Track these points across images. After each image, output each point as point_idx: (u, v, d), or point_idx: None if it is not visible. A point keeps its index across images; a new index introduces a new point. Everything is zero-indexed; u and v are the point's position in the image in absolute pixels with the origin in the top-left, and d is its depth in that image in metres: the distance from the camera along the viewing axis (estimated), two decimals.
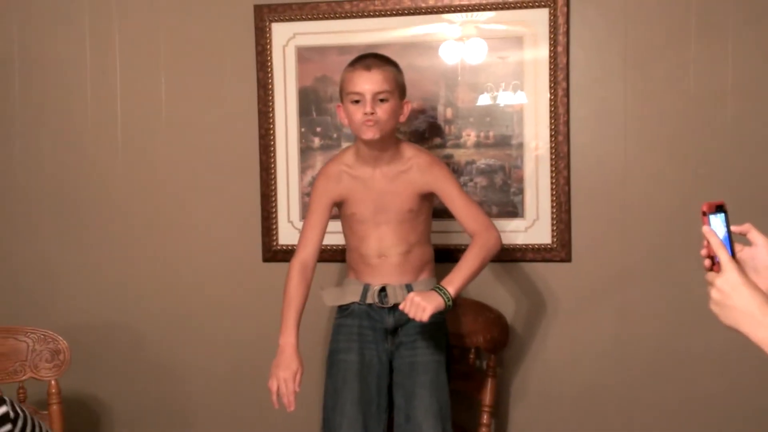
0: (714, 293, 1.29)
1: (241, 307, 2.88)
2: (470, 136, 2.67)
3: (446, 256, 2.62)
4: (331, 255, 2.68)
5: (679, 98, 2.56)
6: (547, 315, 2.69)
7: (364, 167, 2.32)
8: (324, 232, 2.35)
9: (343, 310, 2.39)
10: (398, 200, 2.31)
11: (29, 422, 1.76)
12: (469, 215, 2.29)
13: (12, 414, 1.72)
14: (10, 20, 2.93)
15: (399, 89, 2.26)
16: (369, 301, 2.34)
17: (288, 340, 2.25)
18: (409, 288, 2.33)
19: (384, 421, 2.31)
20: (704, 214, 1.31)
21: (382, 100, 2.21)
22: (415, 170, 2.30)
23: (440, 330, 2.35)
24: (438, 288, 2.16)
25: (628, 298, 2.64)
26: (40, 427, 1.78)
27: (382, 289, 2.33)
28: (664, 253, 2.60)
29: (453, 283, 2.17)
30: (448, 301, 2.14)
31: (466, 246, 2.31)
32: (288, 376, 2.20)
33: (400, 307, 2.16)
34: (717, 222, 1.31)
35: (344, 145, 2.72)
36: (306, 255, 2.33)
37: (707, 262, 1.31)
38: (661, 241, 2.60)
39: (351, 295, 2.37)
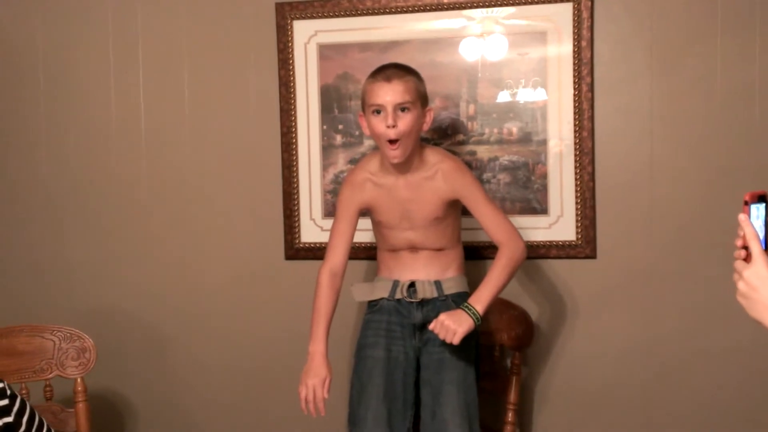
0: (741, 285, 1.27)
1: (264, 305, 2.88)
2: (493, 132, 2.66)
3: (474, 254, 2.62)
4: (354, 252, 2.66)
5: (705, 94, 2.54)
6: (572, 312, 2.67)
7: (388, 175, 2.32)
8: (351, 239, 2.36)
9: (372, 305, 2.39)
10: (424, 208, 2.30)
11: (28, 408, 1.77)
12: (496, 224, 2.28)
13: (9, 391, 1.73)
14: (34, 26, 2.95)
15: (420, 98, 2.25)
16: (398, 296, 2.34)
17: (317, 348, 2.26)
18: (437, 284, 2.34)
19: (410, 417, 2.31)
20: (746, 203, 1.28)
21: (403, 110, 2.19)
22: (440, 177, 2.29)
23: None
24: (466, 307, 2.17)
25: (653, 295, 2.62)
26: (40, 422, 1.79)
27: (411, 285, 2.34)
28: (689, 251, 2.58)
29: (481, 301, 2.18)
30: (478, 321, 2.16)
31: (494, 244, 2.31)
32: (317, 383, 2.22)
33: (430, 327, 2.18)
34: (757, 212, 1.28)
35: (366, 143, 2.72)
36: (335, 263, 2.34)
37: (742, 252, 1.28)
38: (687, 238, 2.58)
39: (380, 290, 2.37)
